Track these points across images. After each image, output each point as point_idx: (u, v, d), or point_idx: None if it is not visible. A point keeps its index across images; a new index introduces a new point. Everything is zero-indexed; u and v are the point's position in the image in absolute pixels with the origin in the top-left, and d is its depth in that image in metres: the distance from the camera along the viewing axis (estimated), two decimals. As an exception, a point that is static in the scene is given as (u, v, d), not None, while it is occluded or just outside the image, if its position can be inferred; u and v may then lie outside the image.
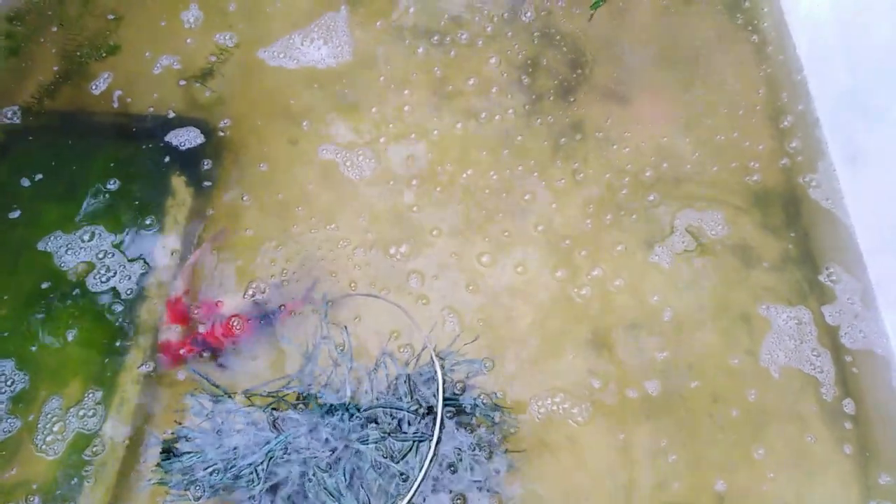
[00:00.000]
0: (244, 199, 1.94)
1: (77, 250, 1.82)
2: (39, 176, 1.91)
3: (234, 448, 1.47)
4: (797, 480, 1.66)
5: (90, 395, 1.64)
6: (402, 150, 2.04)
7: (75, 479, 1.57)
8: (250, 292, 1.79)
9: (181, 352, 1.68)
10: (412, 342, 1.74)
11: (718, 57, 2.22)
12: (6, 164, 1.94)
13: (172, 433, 1.55)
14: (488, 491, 1.50)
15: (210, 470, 1.44)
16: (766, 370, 1.77)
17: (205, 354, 1.69)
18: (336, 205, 1.95)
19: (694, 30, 2.28)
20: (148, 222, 1.87)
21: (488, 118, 2.09)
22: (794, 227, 1.96)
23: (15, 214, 1.87)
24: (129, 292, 1.77)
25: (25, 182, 1.90)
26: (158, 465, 1.51)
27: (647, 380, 1.74)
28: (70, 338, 1.71)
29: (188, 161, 1.96)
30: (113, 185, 1.92)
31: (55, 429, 1.60)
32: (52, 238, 1.83)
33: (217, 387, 1.63)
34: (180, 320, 1.73)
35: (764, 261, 1.90)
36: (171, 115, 2.04)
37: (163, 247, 1.84)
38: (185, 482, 1.46)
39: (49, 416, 1.62)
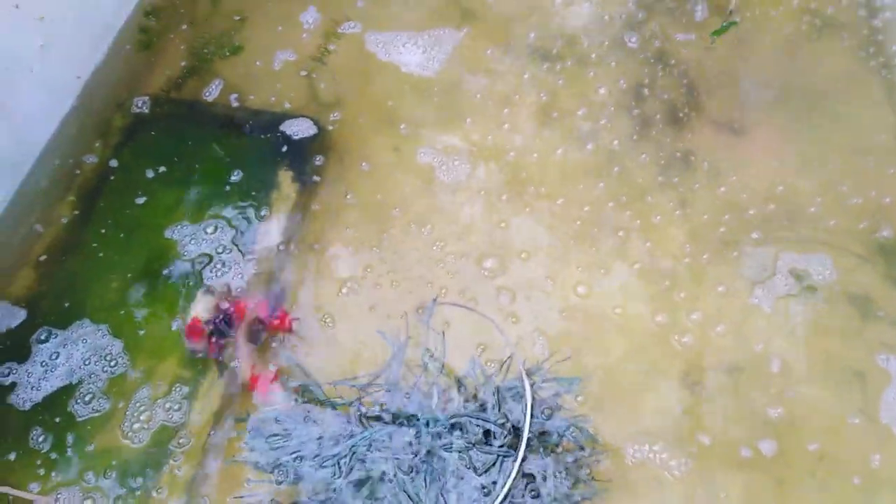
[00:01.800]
0: (348, 197, 1.97)
1: (200, 241, 1.89)
2: (163, 168, 2.01)
3: (319, 438, 1.47)
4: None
5: (178, 390, 1.68)
6: (498, 166, 2.04)
7: (157, 459, 1.60)
8: (344, 290, 1.81)
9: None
10: (500, 358, 1.71)
11: (846, 95, 2.12)
12: (131, 148, 2.06)
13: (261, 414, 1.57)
14: (569, 517, 1.44)
15: (295, 455, 1.45)
16: (886, 428, 1.63)
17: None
18: (430, 210, 1.96)
19: (820, 64, 2.19)
20: (263, 214, 1.93)
21: (593, 146, 2.06)
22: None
23: (140, 200, 1.96)
24: (238, 290, 1.80)
25: (150, 173, 2.00)
26: (244, 443, 1.53)
27: (743, 429, 1.64)
28: (174, 327, 1.76)
29: (297, 156, 2.02)
30: (237, 176, 2.00)
31: (142, 417, 1.64)
32: (178, 227, 1.91)
33: (308, 376, 1.65)
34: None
35: (883, 311, 1.77)
36: (287, 106, 2.12)
37: (268, 237, 1.89)
38: (269, 465, 1.47)
39: (138, 404, 1.66)
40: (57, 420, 1.64)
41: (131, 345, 1.73)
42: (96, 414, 1.65)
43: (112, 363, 1.71)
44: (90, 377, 1.69)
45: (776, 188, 1.96)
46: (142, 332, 1.75)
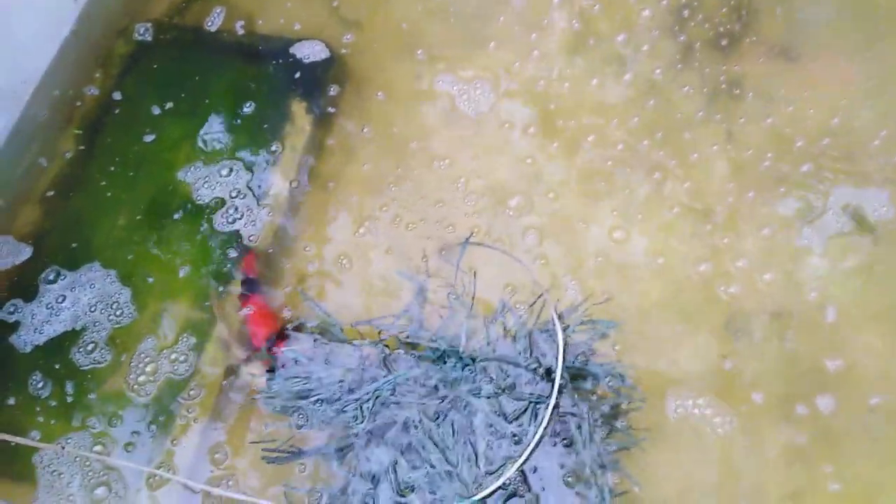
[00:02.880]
0: (364, 130, 1.84)
1: (213, 185, 1.77)
2: (169, 102, 1.88)
3: (341, 381, 1.38)
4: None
5: (184, 340, 1.59)
6: (525, 96, 1.88)
7: (168, 408, 1.53)
8: (361, 230, 1.70)
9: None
10: (530, 301, 1.60)
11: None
12: (134, 79, 1.93)
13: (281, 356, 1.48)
14: (603, 468, 1.35)
15: (315, 399, 1.36)
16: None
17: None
18: (450, 143, 1.82)
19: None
20: (275, 149, 1.81)
21: (632, 76, 1.90)
22: None
23: (148, 138, 1.84)
24: (250, 239, 1.70)
25: (156, 107, 1.88)
26: (265, 388, 1.45)
27: (798, 384, 1.52)
28: (182, 274, 1.66)
29: (311, 86, 1.89)
30: (248, 108, 1.87)
31: (147, 369, 1.56)
32: (191, 169, 1.79)
33: (328, 316, 1.55)
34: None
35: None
36: (297, 27, 1.98)
37: (282, 174, 1.78)
38: (288, 409, 1.39)
39: (143, 355, 1.57)
40: (57, 367, 1.56)
41: (139, 292, 1.64)
42: (98, 365, 1.56)
43: (118, 312, 1.62)
44: (94, 325, 1.60)
45: (832, 120, 1.80)
46: (150, 280, 1.65)
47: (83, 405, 1.53)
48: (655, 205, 1.73)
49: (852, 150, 1.75)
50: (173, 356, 1.57)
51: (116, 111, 1.88)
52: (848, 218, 1.69)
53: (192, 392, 1.52)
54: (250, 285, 1.64)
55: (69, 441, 1.48)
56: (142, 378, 1.55)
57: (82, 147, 1.84)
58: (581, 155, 1.80)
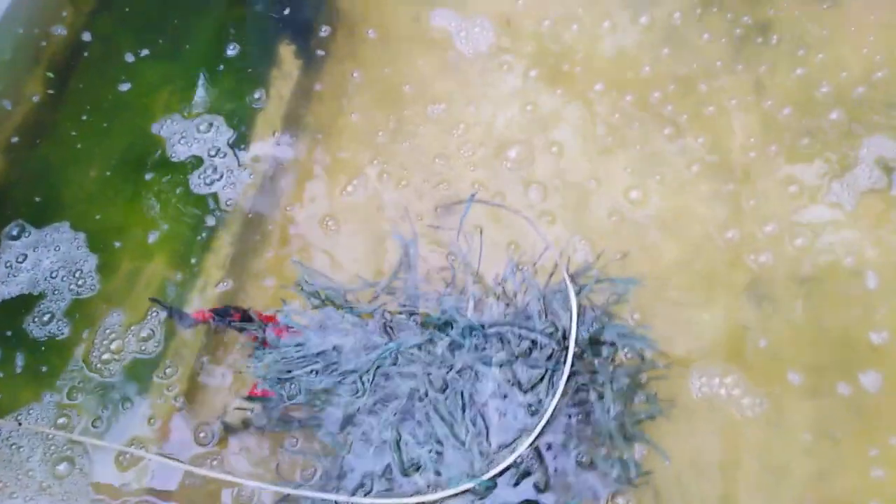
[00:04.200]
0: (354, 75, 1.68)
1: (191, 141, 1.61)
2: (145, 46, 1.71)
3: (335, 348, 1.25)
4: None
5: (153, 316, 1.44)
6: (528, 36, 1.73)
7: (141, 384, 1.39)
8: (349, 188, 1.55)
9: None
10: (539, 264, 1.47)
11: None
12: (107, 18, 1.76)
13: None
14: (628, 440, 1.24)
15: (309, 369, 1.23)
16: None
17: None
18: (446, 86, 1.67)
19: None
20: (259, 96, 1.65)
21: (648, 20, 1.75)
22: None
23: (124, 87, 1.68)
24: (228, 203, 1.54)
25: (131, 53, 1.70)
26: (252, 354, 1.32)
27: (838, 359, 1.39)
28: (151, 240, 1.51)
29: (301, 27, 1.72)
30: (232, 50, 1.70)
31: (112, 346, 1.41)
32: (168, 121, 1.63)
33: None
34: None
35: None
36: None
37: (266, 125, 1.62)
38: (279, 378, 1.26)
39: (108, 331, 1.42)
40: (9, 335, 1.42)
41: (105, 261, 1.49)
42: (55, 338, 1.41)
43: (80, 282, 1.46)
44: (54, 293, 1.45)
45: (871, 71, 1.66)
46: (118, 245, 1.50)
47: (39, 379, 1.39)
48: (669, 162, 1.60)
49: (888, 101, 1.62)
50: (142, 333, 1.42)
51: (86, 54, 1.71)
52: (881, 172, 1.57)
53: (168, 370, 1.39)
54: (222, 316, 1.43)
55: (31, 413, 1.34)
56: (106, 356, 1.40)
57: (51, 91, 1.67)
58: (587, 105, 1.66)
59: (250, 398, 1.30)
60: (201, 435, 1.32)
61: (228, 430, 1.32)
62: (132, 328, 1.42)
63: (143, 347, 1.41)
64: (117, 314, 1.43)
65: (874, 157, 1.58)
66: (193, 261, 1.49)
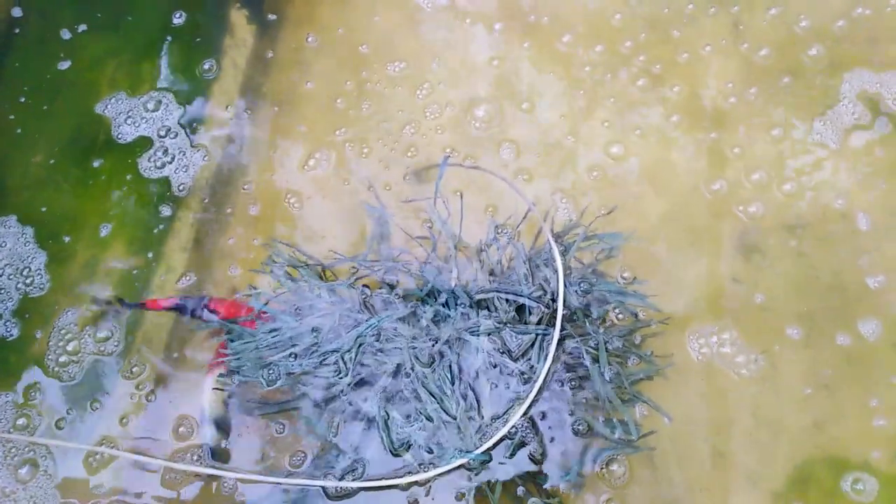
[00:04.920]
0: (309, 39, 1.58)
1: (138, 121, 1.50)
2: (83, 23, 1.59)
3: (314, 330, 1.18)
4: None
5: (111, 314, 1.36)
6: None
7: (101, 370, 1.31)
8: (311, 162, 1.46)
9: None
10: (518, 222, 1.41)
11: None
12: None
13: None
14: (627, 401, 1.19)
15: (288, 353, 1.15)
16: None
17: None
18: (406, 42, 1.58)
19: None
20: (208, 67, 1.54)
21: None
22: None
23: (64, 65, 1.56)
24: (181, 188, 1.44)
25: (68, 30, 1.58)
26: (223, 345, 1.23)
27: (834, 307, 1.36)
28: (104, 233, 1.41)
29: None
30: (179, 18, 1.58)
31: (69, 348, 1.32)
32: (112, 101, 1.52)
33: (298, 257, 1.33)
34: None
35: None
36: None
37: (220, 99, 1.51)
38: (256, 366, 1.18)
39: (62, 331, 1.33)
40: None
41: (54, 257, 1.39)
42: (6, 339, 1.33)
43: (28, 280, 1.36)
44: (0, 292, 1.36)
45: (852, 7, 1.61)
46: (67, 239, 1.40)
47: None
48: (647, 114, 1.53)
49: (870, 34, 1.57)
50: (98, 334, 1.33)
51: (17, 30, 1.58)
52: (865, 108, 1.52)
53: (134, 369, 1.30)
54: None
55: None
56: (63, 358, 1.31)
57: (-17, 74, 1.55)
58: (557, 58, 1.58)
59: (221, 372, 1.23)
60: (181, 430, 1.25)
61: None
62: (87, 328, 1.33)
63: (101, 348, 1.32)
64: (71, 313, 1.34)
65: (856, 92, 1.53)
66: (150, 255, 1.39)
